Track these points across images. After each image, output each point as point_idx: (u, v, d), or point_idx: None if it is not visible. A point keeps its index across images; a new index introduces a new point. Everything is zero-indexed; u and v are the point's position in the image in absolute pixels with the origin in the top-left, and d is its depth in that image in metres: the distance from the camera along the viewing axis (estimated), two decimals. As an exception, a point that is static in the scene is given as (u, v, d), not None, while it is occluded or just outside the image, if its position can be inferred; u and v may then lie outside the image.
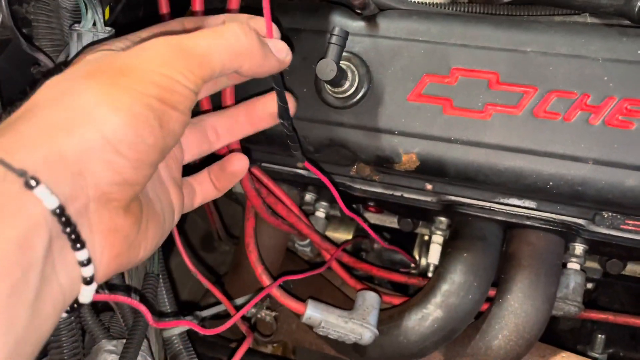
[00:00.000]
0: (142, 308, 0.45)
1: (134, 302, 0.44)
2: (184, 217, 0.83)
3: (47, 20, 0.53)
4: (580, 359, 0.70)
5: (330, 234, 0.94)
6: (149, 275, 0.62)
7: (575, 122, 0.50)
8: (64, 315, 0.34)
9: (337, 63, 0.51)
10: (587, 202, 0.53)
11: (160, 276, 0.65)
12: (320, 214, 0.82)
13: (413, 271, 0.90)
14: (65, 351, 0.51)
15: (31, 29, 0.55)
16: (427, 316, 0.65)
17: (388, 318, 0.67)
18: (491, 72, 0.53)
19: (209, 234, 1.07)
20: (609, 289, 0.93)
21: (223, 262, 1.08)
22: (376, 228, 0.93)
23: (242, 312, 0.57)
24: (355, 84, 0.56)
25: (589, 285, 0.86)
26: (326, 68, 0.50)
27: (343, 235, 0.94)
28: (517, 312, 0.64)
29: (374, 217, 0.87)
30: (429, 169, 0.57)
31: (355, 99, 0.56)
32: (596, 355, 0.86)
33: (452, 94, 0.54)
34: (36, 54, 0.51)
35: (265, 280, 0.66)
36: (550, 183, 0.52)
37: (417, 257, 0.90)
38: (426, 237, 0.89)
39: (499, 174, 0.54)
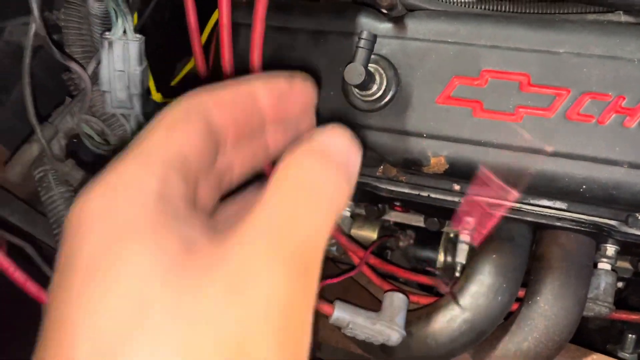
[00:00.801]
0: None
1: None
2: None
3: (77, 27, 0.54)
4: (611, 361, 0.69)
5: (355, 232, 0.94)
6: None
7: (610, 124, 0.49)
8: None
9: (365, 67, 0.50)
10: (622, 205, 0.52)
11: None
12: (346, 212, 0.82)
13: (439, 268, 0.90)
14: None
15: (61, 35, 0.56)
16: (456, 318, 0.65)
17: (416, 319, 0.67)
18: (522, 74, 0.52)
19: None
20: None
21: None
22: (402, 227, 0.93)
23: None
24: (383, 87, 0.55)
25: (620, 285, 0.85)
26: (354, 73, 0.50)
27: (368, 233, 0.94)
28: (547, 314, 0.64)
29: (400, 217, 0.87)
30: (458, 172, 0.56)
31: (383, 102, 0.56)
32: (626, 356, 0.85)
33: (482, 96, 0.53)
34: (67, 61, 0.52)
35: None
36: (584, 186, 0.51)
37: (442, 256, 0.89)
38: (452, 235, 0.89)
39: (530, 178, 0.53)
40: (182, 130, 0.28)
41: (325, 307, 0.65)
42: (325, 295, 0.69)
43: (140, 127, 0.57)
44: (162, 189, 0.26)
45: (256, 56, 0.57)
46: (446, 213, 0.80)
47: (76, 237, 0.25)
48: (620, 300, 0.92)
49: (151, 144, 0.27)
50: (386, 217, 0.90)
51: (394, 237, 0.93)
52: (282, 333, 0.24)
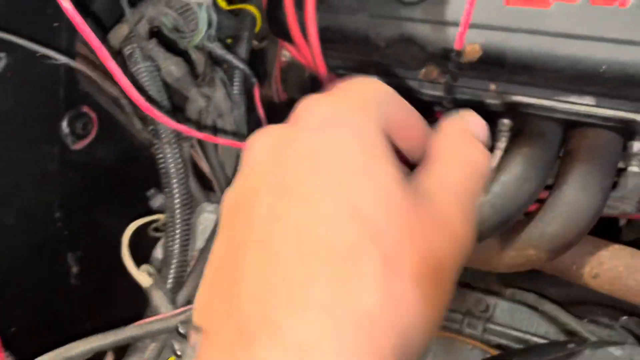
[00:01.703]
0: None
1: None
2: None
3: None
4: (634, 250, 0.74)
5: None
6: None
7: (630, 7, 0.54)
8: None
9: (409, -43, 0.57)
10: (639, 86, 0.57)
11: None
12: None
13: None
14: (177, 200, 0.62)
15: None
16: (486, 203, 0.71)
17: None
18: (553, -37, 0.57)
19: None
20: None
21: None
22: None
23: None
24: (425, -20, 0.61)
25: (653, 198, 0.89)
26: (399, -40, 0.56)
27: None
28: (570, 201, 0.69)
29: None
30: (491, 59, 0.62)
31: (424, -5, 0.62)
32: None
33: (515, -14, 0.59)
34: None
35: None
36: (604, 67, 0.56)
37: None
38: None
39: (556, 61, 0.59)
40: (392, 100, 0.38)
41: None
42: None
43: (210, 18, 0.66)
44: (382, 128, 0.33)
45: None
46: (485, 117, 0.85)
47: (322, 134, 0.31)
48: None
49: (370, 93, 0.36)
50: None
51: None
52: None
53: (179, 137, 0.62)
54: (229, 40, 0.79)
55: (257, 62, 0.99)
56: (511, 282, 0.88)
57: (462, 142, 0.39)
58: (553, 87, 0.66)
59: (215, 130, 0.70)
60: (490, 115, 0.77)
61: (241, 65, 0.69)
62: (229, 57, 0.67)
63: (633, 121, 0.65)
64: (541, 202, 0.74)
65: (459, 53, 0.56)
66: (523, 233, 0.72)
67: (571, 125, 0.71)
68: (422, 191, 0.33)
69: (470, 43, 0.62)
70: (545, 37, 0.58)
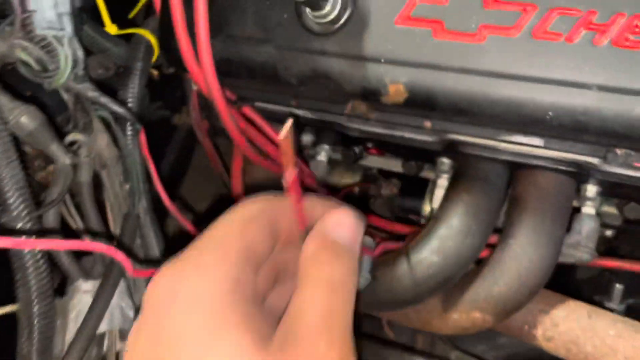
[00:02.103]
0: (120, 256, 0.43)
1: (111, 249, 0.42)
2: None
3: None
4: (592, 308, 0.65)
5: (338, 180, 0.91)
6: (129, 217, 0.60)
7: (579, 43, 0.44)
8: None
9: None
10: (592, 134, 0.48)
11: (147, 217, 0.63)
12: (322, 158, 0.79)
13: (424, 217, 0.87)
14: (33, 289, 0.49)
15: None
16: (423, 261, 0.61)
17: (383, 263, 0.64)
18: (486, -11, 0.47)
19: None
20: (632, 237, 0.87)
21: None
22: (382, 173, 0.89)
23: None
24: (338, 7, 0.51)
25: (609, 233, 0.81)
26: (301, -13, 0.46)
27: (349, 181, 0.91)
28: (519, 257, 0.60)
29: (378, 161, 0.84)
30: (418, 101, 0.52)
31: (338, 24, 0.52)
32: (613, 307, 0.81)
33: (444, 16, 0.48)
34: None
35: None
36: (550, 113, 0.47)
37: (428, 205, 0.86)
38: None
39: (493, 105, 0.49)
40: (255, 227, 0.34)
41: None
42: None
43: (75, 54, 0.54)
44: (237, 276, 0.32)
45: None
46: (422, 155, 0.76)
47: (164, 315, 0.30)
48: (611, 250, 0.88)
49: (228, 235, 0.33)
50: (367, 164, 0.86)
51: (375, 184, 0.89)
52: None
53: (31, 209, 0.49)
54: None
55: (171, 87, 0.87)
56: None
57: (321, 261, 0.35)
58: (495, 126, 0.57)
59: (97, 186, 0.58)
60: (429, 153, 0.68)
61: (120, 110, 0.56)
62: (104, 99, 0.55)
63: (587, 163, 0.56)
64: (492, 247, 0.65)
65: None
66: (467, 293, 0.62)
67: (518, 167, 0.62)
68: (288, 333, 0.32)
69: (393, 82, 0.51)
70: (481, 77, 0.48)
